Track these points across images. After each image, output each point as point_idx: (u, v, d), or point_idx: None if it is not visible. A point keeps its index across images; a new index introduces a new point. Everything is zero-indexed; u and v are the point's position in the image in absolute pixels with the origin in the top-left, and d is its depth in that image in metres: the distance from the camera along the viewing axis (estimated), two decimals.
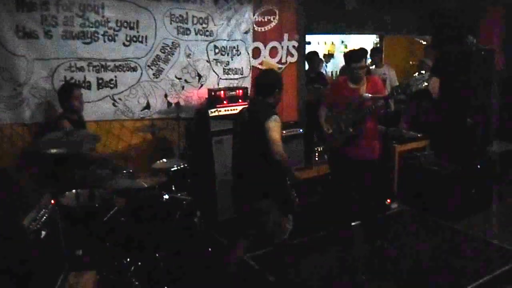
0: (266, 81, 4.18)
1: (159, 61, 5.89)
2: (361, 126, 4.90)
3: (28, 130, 5.22)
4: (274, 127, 3.86)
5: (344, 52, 5.77)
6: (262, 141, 3.84)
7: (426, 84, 6.12)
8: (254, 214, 4.15)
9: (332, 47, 11.26)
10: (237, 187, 4.26)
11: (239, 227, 4.41)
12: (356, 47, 8.82)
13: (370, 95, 4.74)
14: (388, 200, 6.32)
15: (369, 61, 9.96)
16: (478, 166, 6.43)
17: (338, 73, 9.69)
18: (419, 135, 6.87)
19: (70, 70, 5.34)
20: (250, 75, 6.63)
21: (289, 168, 4.04)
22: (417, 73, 7.90)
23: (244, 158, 4.14)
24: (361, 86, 4.98)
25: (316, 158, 6.39)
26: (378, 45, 10.06)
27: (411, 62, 9.22)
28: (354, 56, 5.08)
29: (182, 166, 5.23)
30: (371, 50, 8.65)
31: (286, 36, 6.82)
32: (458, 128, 6.68)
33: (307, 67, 7.73)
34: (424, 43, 9.20)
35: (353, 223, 5.49)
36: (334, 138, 5.09)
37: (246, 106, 4.46)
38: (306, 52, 7.58)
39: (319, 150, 6.41)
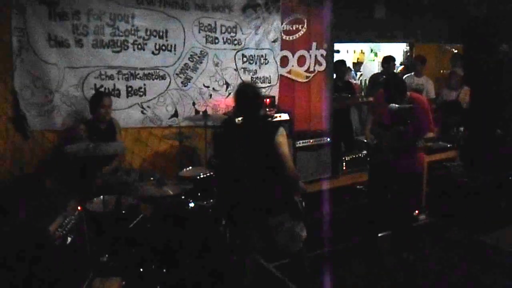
0: (256, 95, 3.91)
1: (187, 70, 5.94)
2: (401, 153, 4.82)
3: (59, 136, 5.32)
4: (284, 141, 3.74)
5: (388, 80, 5.53)
6: (271, 156, 3.70)
7: (453, 95, 5.92)
8: (265, 231, 3.90)
9: (361, 55, 11.20)
10: (243, 206, 3.91)
11: (244, 243, 4.14)
12: (386, 55, 8.79)
13: (396, 105, 4.66)
14: (416, 212, 6.23)
15: (401, 67, 9.89)
16: (510, 178, 6.30)
17: (367, 81, 9.61)
18: (448, 146, 6.76)
19: (100, 78, 5.44)
20: (278, 83, 6.64)
21: (298, 182, 3.86)
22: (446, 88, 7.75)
23: (250, 176, 3.81)
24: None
25: (344, 168, 6.33)
26: (408, 53, 9.95)
27: (441, 71, 9.07)
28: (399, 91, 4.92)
29: (208, 174, 5.25)
30: (415, 58, 8.50)
31: (314, 44, 6.82)
32: (488, 139, 6.56)
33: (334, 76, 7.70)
34: (456, 51, 9.06)
35: (379, 234, 5.43)
36: (378, 153, 5.03)
37: (239, 123, 4.02)
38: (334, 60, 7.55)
39: (346, 159, 6.35)
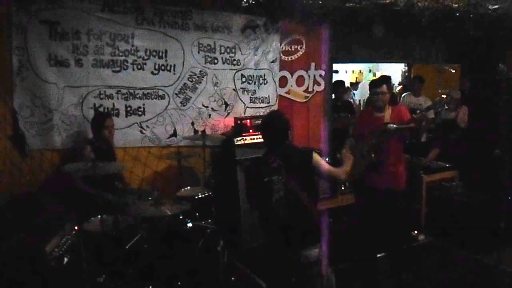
0: (284, 125, 3.80)
1: (186, 90, 5.97)
2: (382, 153, 4.82)
3: (57, 155, 5.32)
4: (320, 159, 3.72)
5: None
6: (310, 181, 3.73)
7: (452, 114, 5.84)
8: (300, 268, 3.68)
9: (360, 75, 11.26)
10: (281, 238, 3.73)
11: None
12: (381, 75, 8.85)
13: (395, 126, 4.68)
14: (415, 232, 6.21)
15: (399, 87, 9.94)
16: (509, 198, 6.28)
17: (365, 101, 9.65)
18: (447, 166, 6.76)
19: (100, 97, 5.46)
20: (277, 104, 6.67)
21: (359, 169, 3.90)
22: (437, 98, 7.77)
23: (289, 205, 3.63)
24: (385, 114, 4.93)
25: (342, 188, 6.32)
26: (407, 73, 10.01)
27: (440, 91, 9.10)
28: (374, 82, 5.15)
29: (206, 194, 5.24)
30: (412, 78, 8.54)
31: (313, 65, 6.86)
32: (487, 159, 6.56)
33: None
34: (453, 71, 9.10)
35: (378, 255, 5.39)
36: (357, 165, 5.00)
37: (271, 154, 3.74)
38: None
39: None
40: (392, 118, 4.86)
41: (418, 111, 4.87)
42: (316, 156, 3.70)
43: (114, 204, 4.58)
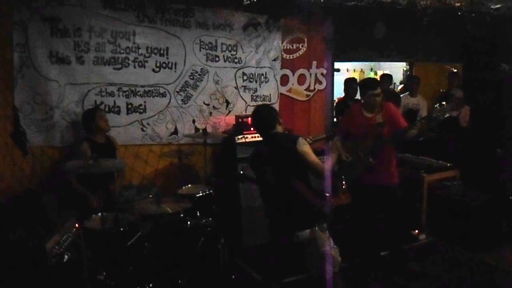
0: (268, 114, 4.07)
1: (187, 87, 5.96)
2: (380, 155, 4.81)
3: (58, 152, 5.32)
4: (306, 149, 3.83)
5: (359, 81, 5.77)
6: (298, 167, 3.84)
7: (448, 115, 5.76)
8: (294, 247, 3.91)
9: (361, 74, 11.22)
10: (275, 220, 4.06)
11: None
12: (382, 73, 8.84)
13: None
14: (416, 231, 6.19)
15: (400, 86, 9.91)
16: (510, 197, 6.27)
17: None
18: (448, 165, 6.74)
19: (101, 95, 5.45)
20: (278, 102, 6.65)
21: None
22: (437, 104, 7.74)
23: (280, 190, 3.91)
24: (377, 114, 4.90)
25: (343, 186, 6.31)
26: (408, 72, 9.98)
27: (441, 90, 9.08)
28: (370, 84, 5.02)
29: (207, 192, 5.23)
30: (408, 77, 8.51)
31: (314, 63, 6.84)
32: (489, 158, 6.54)
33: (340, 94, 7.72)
34: (455, 70, 9.07)
35: (382, 253, 5.38)
36: (354, 167, 4.99)
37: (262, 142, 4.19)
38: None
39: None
40: (383, 116, 4.83)
41: (418, 120, 4.82)
42: (302, 143, 3.84)
43: (110, 203, 4.59)
